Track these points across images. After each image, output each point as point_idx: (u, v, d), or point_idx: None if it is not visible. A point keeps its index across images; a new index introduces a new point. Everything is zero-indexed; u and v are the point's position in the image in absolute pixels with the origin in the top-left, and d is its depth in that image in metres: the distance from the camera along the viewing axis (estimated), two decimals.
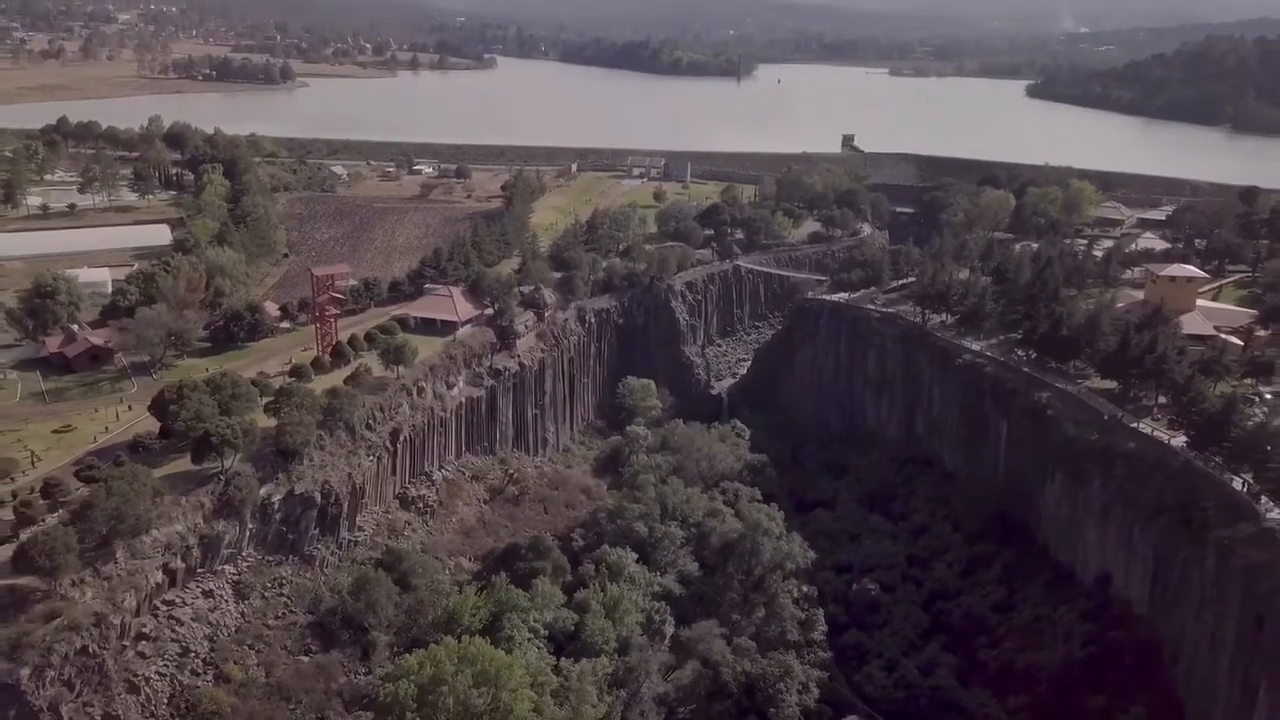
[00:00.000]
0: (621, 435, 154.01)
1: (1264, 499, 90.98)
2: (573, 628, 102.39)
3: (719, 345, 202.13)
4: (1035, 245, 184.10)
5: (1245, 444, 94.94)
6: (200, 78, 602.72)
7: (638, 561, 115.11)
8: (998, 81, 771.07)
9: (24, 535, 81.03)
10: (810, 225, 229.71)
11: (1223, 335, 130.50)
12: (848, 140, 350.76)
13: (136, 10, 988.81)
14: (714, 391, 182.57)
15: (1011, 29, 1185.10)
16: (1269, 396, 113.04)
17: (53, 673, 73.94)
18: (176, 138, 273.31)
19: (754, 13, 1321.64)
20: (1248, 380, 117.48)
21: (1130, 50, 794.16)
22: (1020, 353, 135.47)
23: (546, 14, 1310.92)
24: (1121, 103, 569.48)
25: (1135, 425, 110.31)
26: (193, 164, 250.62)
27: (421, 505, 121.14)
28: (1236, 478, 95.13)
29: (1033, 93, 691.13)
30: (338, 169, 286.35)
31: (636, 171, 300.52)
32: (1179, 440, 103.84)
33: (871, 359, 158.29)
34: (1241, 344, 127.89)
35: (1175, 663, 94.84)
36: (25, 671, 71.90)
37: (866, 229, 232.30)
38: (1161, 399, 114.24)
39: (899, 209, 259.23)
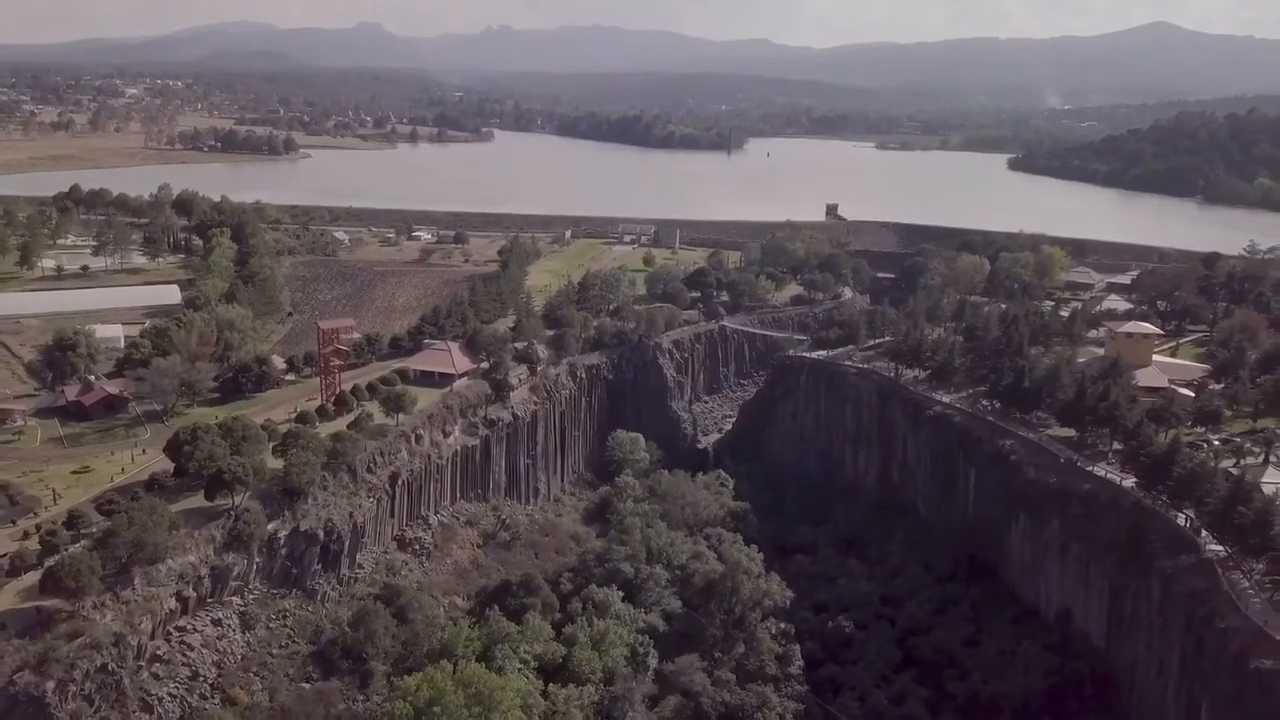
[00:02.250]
0: (610, 487, 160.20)
1: (1204, 532, 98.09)
2: (561, 659, 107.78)
3: (706, 402, 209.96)
4: (1005, 306, 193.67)
5: (1187, 483, 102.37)
6: (206, 149, 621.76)
7: (624, 600, 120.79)
8: (981, 155, 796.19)
9: (49, 563, 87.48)
10: (793, 289, 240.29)
11: (1176, 387, 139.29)
12: (831, 209, 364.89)
13: (143, 84, 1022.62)
14: (700, 446, 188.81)
15: (996, 105, 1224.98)
16: (1216, 442, 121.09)
17: (75, 688, 79.43)
18: (185, 204, 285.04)
19: (746, 89, 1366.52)
20: (1198, 428, 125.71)
21: (1112, 125, 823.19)
22: (986, 404, 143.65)
23: (543, 89, 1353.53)
24: (1098, 175, 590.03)
25: (1090, 468, 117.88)
26: (201, 229, 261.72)
27: (418, 547, 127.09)
28: (1180, 514, 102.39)
29: (1014, 165, 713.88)
30: (340, 235, 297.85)
31: (628, 238, 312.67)
32: (1130, 481, 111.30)
33: (849, 412, 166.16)
34: (1193, 395, 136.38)
35: (1130, 690, 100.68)
36: (50, 685, 77.38)
37: (847, 292, 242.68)
38: (1116, 444, 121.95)
39: (880, 274, 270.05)
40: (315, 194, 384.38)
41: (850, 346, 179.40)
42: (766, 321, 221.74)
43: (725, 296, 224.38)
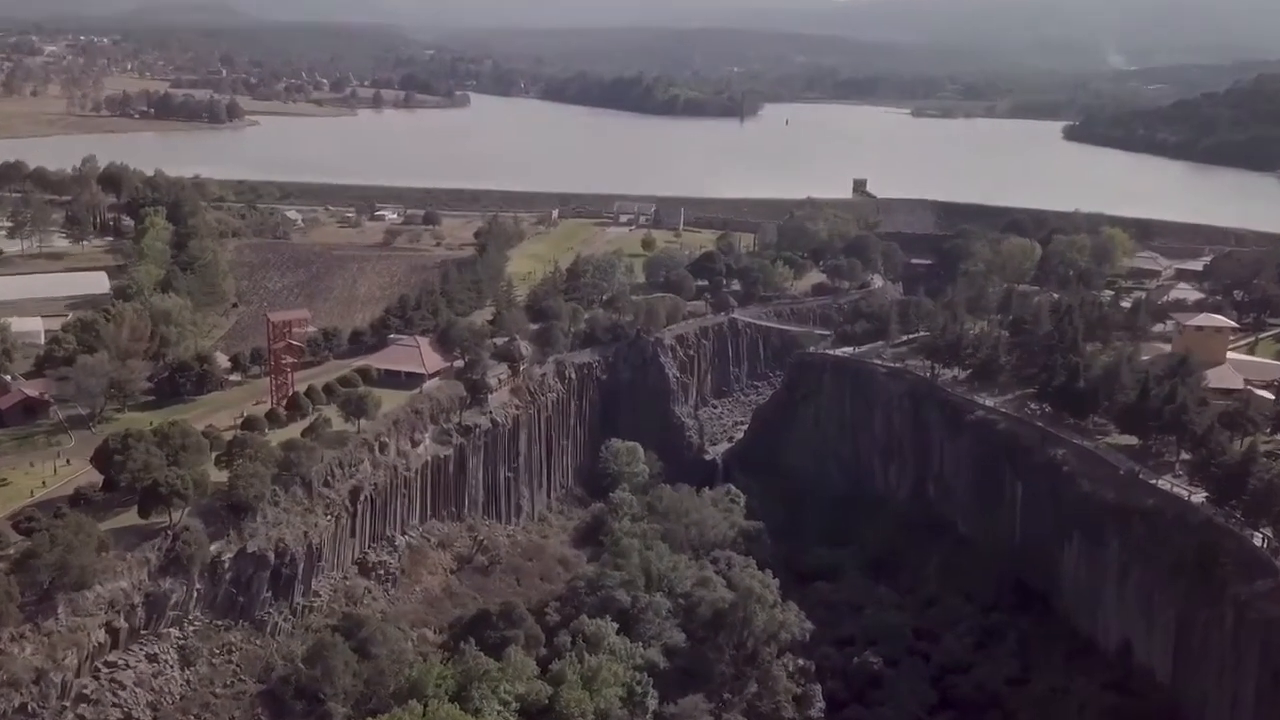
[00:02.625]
0: (604, 503, 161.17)
1: None
2: (546, 700, 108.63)
3: (714, 406, 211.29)
4: (1058, 295, 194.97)
5: (1264, 497, 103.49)
6: (136, 115, 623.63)
7: (619, 633, 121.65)
8: (1033, 122, 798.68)
9: None
10: (814, 276, 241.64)
11: (1253, 389, 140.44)
12: (859, 185, 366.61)
13: (64, 41, 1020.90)
14: (708, 457, 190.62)
15: (1050, 65, 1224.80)
16: None
17: None
18: (113, 179, 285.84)
19: (760, 46, 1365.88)
20: (1278, 435, 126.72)
21: (1183, 88, 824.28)
22: (1035, 407, 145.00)
23: (525, 47, 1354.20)
24: (1167, 146, 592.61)
25: (1154, 481, 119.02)
26: (131, 208, 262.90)
27: (382, 572, 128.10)
28: (1257, 532, 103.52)
29: (1070, 135, 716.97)
30: (292, 214, 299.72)
31: (624, 218, 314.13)
32: (1199, 496, 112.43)
33: (878, 417, 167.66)
34: (1273, 398, 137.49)
35: None
36: None
37: (877, 280, 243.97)
38: (1184, 454, 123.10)
39: (915, 259, 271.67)
40: (264, 167, 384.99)
41: (880, 342, 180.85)
42: (784, 314, 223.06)
43: (736, 285, 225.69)
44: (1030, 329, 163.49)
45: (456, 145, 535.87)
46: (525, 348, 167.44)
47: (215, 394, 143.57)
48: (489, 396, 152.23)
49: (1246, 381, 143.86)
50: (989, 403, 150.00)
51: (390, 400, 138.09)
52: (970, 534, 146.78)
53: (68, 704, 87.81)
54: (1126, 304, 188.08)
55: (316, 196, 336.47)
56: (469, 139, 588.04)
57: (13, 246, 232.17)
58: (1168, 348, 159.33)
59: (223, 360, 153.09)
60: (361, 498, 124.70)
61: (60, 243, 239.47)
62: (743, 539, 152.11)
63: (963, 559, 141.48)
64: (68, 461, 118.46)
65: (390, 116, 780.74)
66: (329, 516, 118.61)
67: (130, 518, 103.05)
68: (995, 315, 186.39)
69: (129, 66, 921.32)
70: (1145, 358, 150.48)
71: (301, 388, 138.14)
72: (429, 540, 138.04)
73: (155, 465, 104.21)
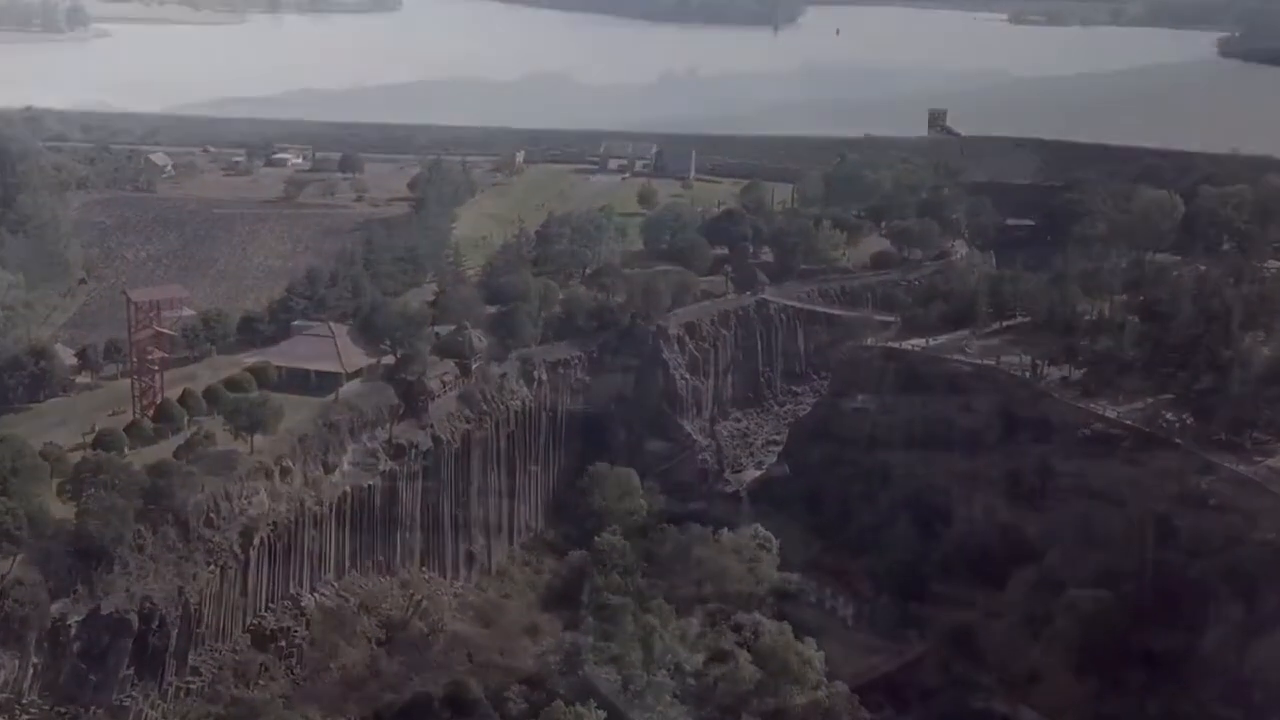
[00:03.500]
0: (586, 551, 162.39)
1: None
2: None
3: (736, 420, 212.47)
4: (1205, 268, 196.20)
5: None
6: None
7: None
8: (1175, 32, 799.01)
9: None
10: (874, 243, 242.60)
11: None
12: (936, 119, 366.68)
13: None
14: (729, 488, 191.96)
15: None
16: None
17: None
18: None
19: None
20: None
21: None
22: (1173, 418, 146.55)
23: None
24: None
25: None
26: None
27: (285, 643, 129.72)
28: None
29: (1228, 50, 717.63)
30: (159, 159, 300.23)
31: (614, 163, 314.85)
32: None
33: (960, 432, 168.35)
34: None
35: None
36: None
37: (959, 248, 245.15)
38: None
39: (1013, 220, 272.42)
40: (120, 94, 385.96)
41: (963, 331, 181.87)
42: (832, 294, 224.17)
43: (768, 255, 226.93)
44: (1168, 313, 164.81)
45: (389, 63, 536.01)
46: (479, 339, 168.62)
47: (57, 400, 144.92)
48: (430, 405, 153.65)
49: None
50: (1111, 413, 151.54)
51: (295, 410, 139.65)
52: (1081, 589, 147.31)
53: None
54: None
55: (192, 134, 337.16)
56: (404, 53, 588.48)
57: None
58: None
59: (67, 355, 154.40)
60: (256, 542, 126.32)
61: None
62: (775, 598, 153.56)
63: (1073, 623, 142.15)
64: None
65: (292, 24, 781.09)
66: (212, 567, 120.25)
67: None
68: (1120, 295, 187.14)
69: None
70: None
71: (174, 392, 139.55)
72: (348, 600, 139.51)
73: None
